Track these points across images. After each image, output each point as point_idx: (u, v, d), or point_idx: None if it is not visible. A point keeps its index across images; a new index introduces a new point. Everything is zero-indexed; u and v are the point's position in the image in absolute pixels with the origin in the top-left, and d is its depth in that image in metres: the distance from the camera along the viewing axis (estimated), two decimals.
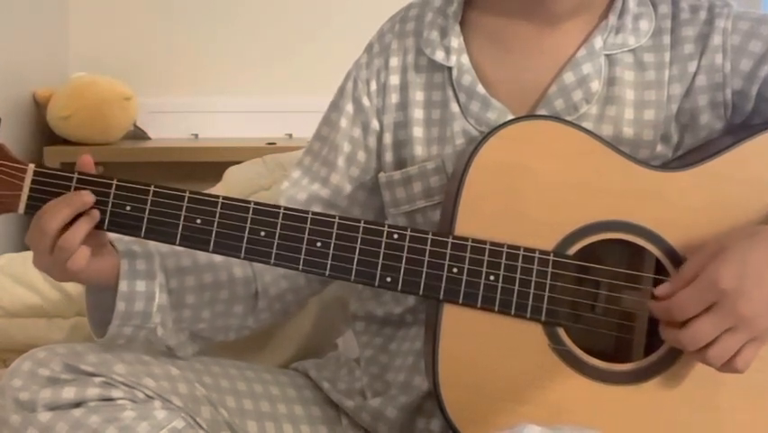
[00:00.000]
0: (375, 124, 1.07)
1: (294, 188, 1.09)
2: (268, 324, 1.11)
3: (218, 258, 1.02)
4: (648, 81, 1.00)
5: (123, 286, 0.95)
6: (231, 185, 1.50)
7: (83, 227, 0.89)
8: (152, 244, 0.98)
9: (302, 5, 2.26)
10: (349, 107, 1.08)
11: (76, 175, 0.91)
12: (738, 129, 0.99)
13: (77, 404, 0.91)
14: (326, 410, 1.07)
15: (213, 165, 1.72)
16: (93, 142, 2.04)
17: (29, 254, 1.46)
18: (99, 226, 0.91)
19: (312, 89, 2.17)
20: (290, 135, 2.24)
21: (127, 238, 0.97)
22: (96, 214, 0.90)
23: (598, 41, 1.00)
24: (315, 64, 2.23)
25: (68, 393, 0.91)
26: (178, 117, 2.23)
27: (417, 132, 1.04)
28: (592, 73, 0.99)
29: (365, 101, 1.07)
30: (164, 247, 1.00)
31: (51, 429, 0.89)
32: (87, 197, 0.90)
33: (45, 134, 2.08)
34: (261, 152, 1.64)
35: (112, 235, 0.96)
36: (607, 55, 1.00)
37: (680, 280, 0.87)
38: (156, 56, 2.23)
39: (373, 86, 1.07)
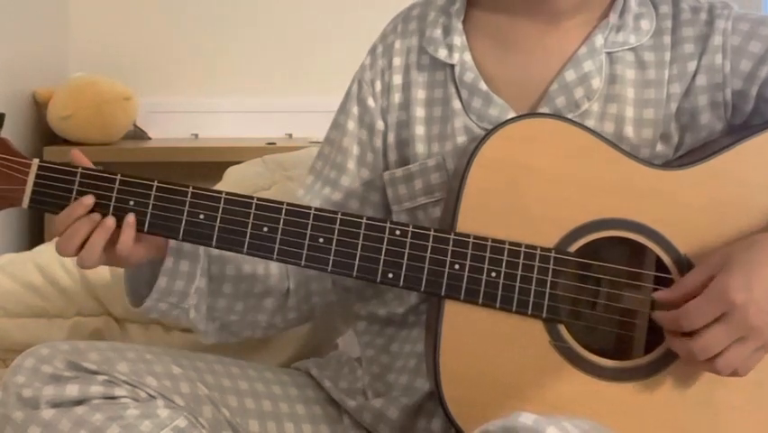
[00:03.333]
0: (380, 125, 1.07)
1: (308, 195, 1.09)
2: (293, 326, 1.13)
3: None
4: (648, 80, 1.00)
5: (168, 262, 0.97)
6: (231, 185, 1.50)
7: (98, 241, 0.92)
8: None
9: (302, 6, 2.27)
10: (355, 110, 1.09)
11: (80, 170, 0.92)
12: (738, 130, 0.99)
13: (80, 402, 0.91)
14: (328, 410, 1.07)
15: (213, 165, 1.72)
16: (93, 143, 2.04)
17: (29, 254, 1.48)
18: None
19: (312, 90, 2.18)
20: (290, 135, 2.24)
21: None
22: (110, 223, 0.92)
23: (598, 39, 1.01)
24: (315, 64, 2.23)
25: (72, 391, 0.91)
26: (178, 117, 2.23)
27: (419, 130, 1.05)
28: (593, 70, 1.00)
29: (370, 102, 1.08)
30: None
31: (54, 427, 0.89)
32: (88, 200, 0.92)
33: (45, 134, 2.08)
34: (261, 152, 1.64)
35: None
36: (608, 53, 1.00)
37: (682, 288, 0.88)
38: (156, 56, 2.24)
39: (378, 86, 1.08)
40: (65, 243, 0.92)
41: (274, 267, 1.06)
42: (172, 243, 0.97)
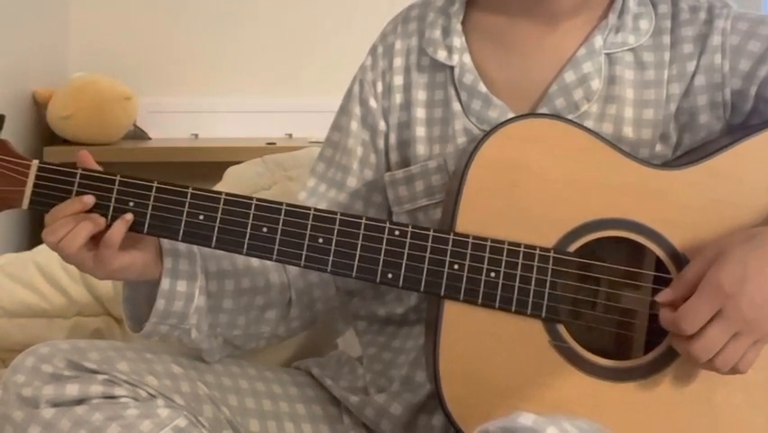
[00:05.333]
0: (382, 126, 1.07)
1: (312, 198, 1.09)
2: (296, 333, 1.12)
3: (255, 262, 1.03)
4: (648, 80, 1.00)
5: (164, 284, 0.96)
6: (231, 185, 1.50)
7: (84, 230, 0.90)
8: None
9: (302, 6, 2.27)
10: (357, 110, 1.08)
11: (79, 171, 0.92)
12: (737, 129, 0.99)
13: (80, 401, 0.91)
14: (328, 409, 1.07)
15: (213, 165, 1.72)
16: (93, 142, 2.04)
17: (29, 254, 1.48)
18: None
19: (312, 90, 2.18)
20: (290, 135, 2.25)
21: None
22: (101, 221, 0.91)
23: (598, 40, 1.01)
24: (315, 64, 2.24)
25: (72, 390, 0.91)
26: (178, 117, 2.23)
27: (420, 131, 1.05)
28: (592, 72, 1.00)
29: (372, 103, 1.08)
30: (205, 248, 1.00)
31: (54, 426, 0.89)
32: (88, 198, 0.91)
33: (45, 134, 2.09)
34: (261, 152, 1.64)
35: None
36: (607, 54, 1.01)
37: (680, 285, 0.87)
38: (156, 56, 2.24)
39: (379, 87, 1.08)
40: (54, 231, 0.90)
41: (275, 278, 1.05)
42: (167, 263, 0.96)
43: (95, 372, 0.93)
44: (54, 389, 0.91)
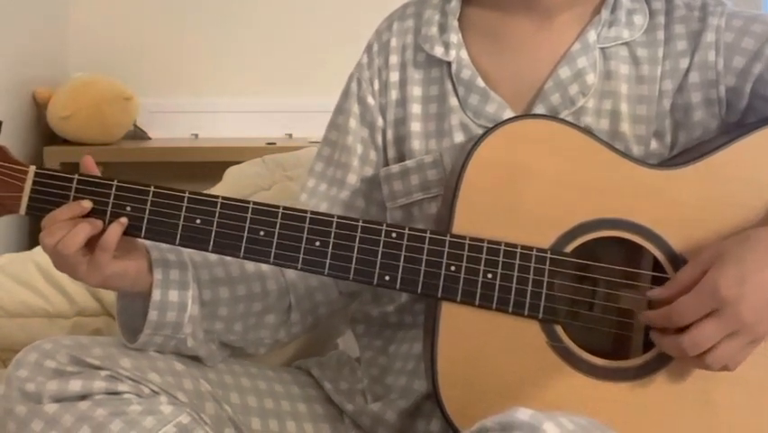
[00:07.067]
0: (380, 122, 1.08)
1: (314, 198, 1.09)
2: (297, 337, 1.11)
3: (251, 268, 1.03)
4: (642, 76, 1.00)
5: (156, 295, 0.95)
6: (231, 185, 1.51)
7: (82, 231, 0.90)
8: (186, 253, 0.99)
9: (302, 7, 2.27)
10: (355, 108, 1.09)
11: (76, 176, 0.92)
12: (733, 128, 0.99)
13: (83, 397, 0.91)
14: (329, 408, 1.07)
15: (213, 165, 1.73)
16: (93, 142, 2.04)
17: (29, 254, 1.49)
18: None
19: (312, 90, 2.18)
20: (290, 135, 2.25)
21: (163, 246, 0.97)
22: (99, 224, 0.91)
23: (591, 35, 1.01)
24: (315, 65, 2.23)
25: (75, 386, 0.91)
26: (178, 117, 2.23)
27: (415, 126, 1.05)
28: (587, 67, 1.00)
29: (370, 100, 1.08)
30: (198, 257, 1.00)
31: (57, 421, 0.89)
32: (86, 203, 0.91)
33: (45, 134, 2.09)
34: (261, 152, 1.65)
35: (147, 242, 0.96)
36: (601, 49, 1.01)
37: (675, 285, 0.88)
38: (156, 56, 2.24)
39: (376, 84, 1.08)
40: (52, 233, 0.89)
41: (272, 284, 1.04)
42: (157, 274, 0.95)
43: (98, 367, 0.93)
44: (57, 384, 0.91)
